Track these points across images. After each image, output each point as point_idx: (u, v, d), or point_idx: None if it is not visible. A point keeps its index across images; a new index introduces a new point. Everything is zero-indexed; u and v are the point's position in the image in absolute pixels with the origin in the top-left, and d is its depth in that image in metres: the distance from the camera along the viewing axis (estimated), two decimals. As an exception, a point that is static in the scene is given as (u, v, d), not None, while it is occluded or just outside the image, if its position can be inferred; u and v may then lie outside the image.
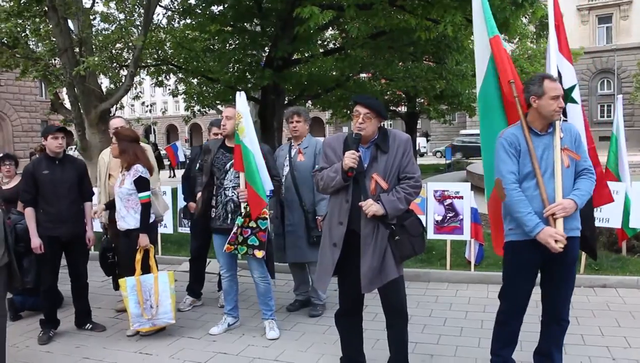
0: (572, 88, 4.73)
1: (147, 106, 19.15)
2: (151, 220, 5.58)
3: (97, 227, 6.84)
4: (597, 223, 6.76)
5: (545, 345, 4.10)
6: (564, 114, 4.26)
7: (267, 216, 5.29)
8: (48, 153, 5.53)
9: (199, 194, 5.59)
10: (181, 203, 7.86)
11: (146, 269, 5.51)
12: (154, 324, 5.44)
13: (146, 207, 5.44)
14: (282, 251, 5.93)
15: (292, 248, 5.89)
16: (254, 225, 5.23)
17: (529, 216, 3.72)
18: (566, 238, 3.69)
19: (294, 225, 5.87)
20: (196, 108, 18.67)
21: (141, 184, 5.41)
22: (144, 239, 5.44)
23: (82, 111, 11.48)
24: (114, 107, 12.12)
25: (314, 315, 5.99)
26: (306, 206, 5.84)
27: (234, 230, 5.22)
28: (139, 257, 5.46)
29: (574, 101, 4.73)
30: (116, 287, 6.07)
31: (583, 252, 6.76)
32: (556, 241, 3.65)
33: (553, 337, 4.05)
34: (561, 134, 3.85)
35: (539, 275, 4.02)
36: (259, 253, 5.24)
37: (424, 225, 6.62)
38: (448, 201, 7.15)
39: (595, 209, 6.66)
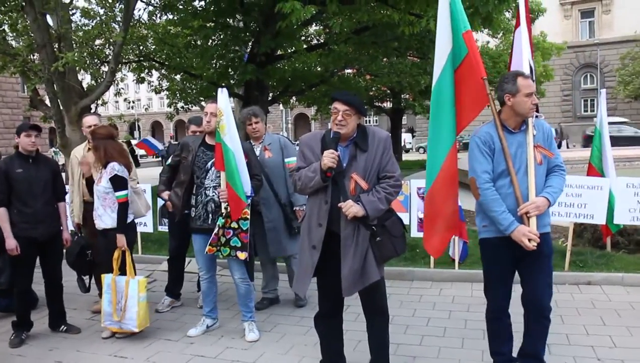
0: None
1: (131, 103, 18.90)
2: (129, 220, 5.44)
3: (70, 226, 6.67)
4: (581, 220, 6.73)
5: (529, 344, 4.04)
6: (536, 109, 4.21)
7: (248, 216, 5.16)
8: (21, 151, 5.36)
9: (166, 193, 5.53)
10: (161, 201, 7.72)
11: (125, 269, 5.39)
12: (121, 327, 5.31)
13: (123, 207, 5.30)
14: (261, 248, 5.90)
15: (274, 244, 5.93)
16: (236, 226, 5.11)
17: (503, 215, 3.76)
18: (540, 234, 3.75)
19: (274, 221, 5.90)
20: (179, 105, 18.51)
21: (117, 183, 5.26)
22: (120, 240, 5.30)
23: (61, 108, 11.28)
24: (95, 103, 11.92)
25: (300, 305, 6.09)
26: (282, 200, 5.94)
27: (215, 231, 5.10)
28: (116, 256, 5.32)
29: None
30: (85, 289, 5.92)
31: (568, 250, 6.74)
32: (530, 239, 3.69)
33: (536, 335, 4.01)
34: (534, 132, 3.85)
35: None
36: (242, 255, 5.12)
37: (407, 224, 6.57)
38: (431, 198, 7.04)
39: (580, 205, 6.65)
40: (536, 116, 3.95)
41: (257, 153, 5.95)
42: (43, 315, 5.85)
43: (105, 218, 5.32)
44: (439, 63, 4.35)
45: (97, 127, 5.68)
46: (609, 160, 6.93)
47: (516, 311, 4.06)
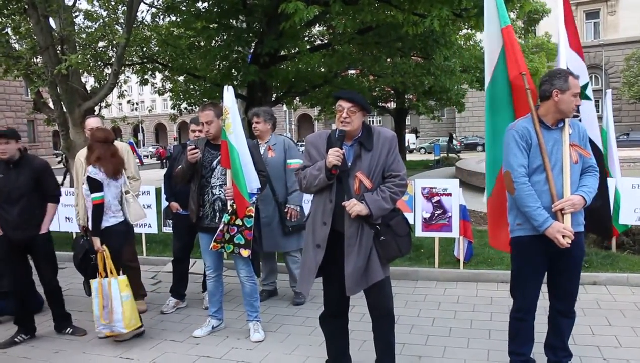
0: (585, 85, 4.75)
1: (134, 105, 18.92)
2: (115, 222, 5.37)
3: (77, 228, 6.69)
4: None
5: (556, 339, 4.08)
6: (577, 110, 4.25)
7: (253, 214, 5.17)
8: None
9: (175, 204, 5.72)
10: (165, 202, 7.71)
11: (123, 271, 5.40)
12: (112, 330, 5.26)
13: (97, 208, 5.22)
14: (258, 241, 5.93)
15: (267, 238, 6.05)
16: (240, 223, 5.11)
17: (538, 211, 3.72)
18: (575, 233, 3.73)
19: (268, 217, 6.07)
20: (183, 106, 18.53)
21: (91, 184, 5.21)
22: (95, 242, 5.24)
23: (65, 110, 11.29)
24: (99, 106, 11.94)
25: (297, 303, 6.22)
26: (279, 199, 6.13)
27: (220, 227, 5.11)
28: (99, 259, 5.28)
29: (587, 98, 4.72)
30: (90, 292, 5.90)
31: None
32: (564, 236, 3.66)
33: (564, 330, 4.05)
34: (570, 130, 3.82)
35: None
36: (245, 252, 5.13)
37: (412, 223, 6.56)
38: (436, 198, 7.05)
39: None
40: (573, 116, 3.95)
41: (262, 152, 6.04)
42: (48, 318, 5.85)
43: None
44: (491, 58, 4.43)
45: (95, 130, 5.63)
46: (615, 160, 6.90)
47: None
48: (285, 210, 6.11)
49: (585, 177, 3.86)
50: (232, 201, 5.10)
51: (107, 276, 5.28)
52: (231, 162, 5.03)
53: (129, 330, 5.24)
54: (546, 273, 4.01)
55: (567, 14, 4.68)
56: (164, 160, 45.29)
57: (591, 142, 4.69)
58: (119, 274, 5.29)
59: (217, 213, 5.25)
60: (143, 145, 67.37)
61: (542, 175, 3.79)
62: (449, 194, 7.02)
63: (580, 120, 4.06)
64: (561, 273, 3.94)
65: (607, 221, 5.05)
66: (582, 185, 3.81)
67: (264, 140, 6.21)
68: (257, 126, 6.18)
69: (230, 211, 5.11)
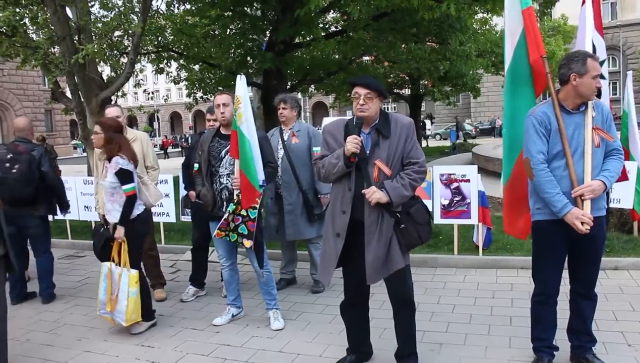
0: (601, 63, 4.66)
1: (150, 94, 18.95)
2: (139, 212, 5.36)
3: (96, 217, 6.73)
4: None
5: (578, 322, 4.05)
6: (599, 93, 4.18)
7: (257, 206, 5.14)
8: None
9: (193, 193, 5.71)
10: (183, 191, 7.74)
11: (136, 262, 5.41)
12: (113, 318, 5.27)
13: (130, 200, 5.22)
14: (281, 230, 6.13)
15: (291, 227, 6.10)
16: (244, 214, 5.10)
17: (557, 197, 3.70)
18: (595, 217, 3.70)
19: (293, 204, 6.08)
20: (198, 95, 18.55)
21: (123, 176, 5.16)
22: (119, 231, 5.23)
23: (82, 100, 11.35)
24: (115, 95, 11.97)
25: (316, 291, 6.23)
26: (303, 186, 6.09)
27: (225, 216, 5.12)
28: (115, 247, 5.28)
29: (602, 77, 4.64)
30: None
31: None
32: (583, 223, 3.64)
33: (586, 313, 4.02)
34: (593, 113, 3.76)
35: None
36: (247, 243, 5.11)
37: (430, 210, 6.53)
38: (455, 184, 7.00)
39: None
40: (595, 99, 3.88)
41: (285, 138, 6.12)
42: (71, 305, 5.91)
43: (115, 213, 5.25)
44: (511, 40, 4.37)
45: (106, 120, 5.58)
46: (637, 143, 6.80)
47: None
48: (320, 196, 6.11)
49: (608, 160, 3.79)
50: (239, 191, 5.09)
51: (118, 265, 5.30)
52: (241, 152, 5.01)
53: (127, 325, 5.21)
54: (567, 257, 3.98)
55: None
56: (166, 150, 45.54)
57: None
58: (132, 268, 5.29)
59: (224, 202, 5.27)
60: (158, 134, 67.64)
61: (562, 160, 3.74)
62: (468, 181, 6.97)
63: (602, 100, 3.99)
64: (581, 258, 3.92)
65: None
66: (604, 170, 3.75)
67: (288, 127, 6.20)
68: (284, 112, 6.16)
69: (236, 200, 5.11)
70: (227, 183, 5.25)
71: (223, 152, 5.28)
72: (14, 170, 5.98)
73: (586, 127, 3.74)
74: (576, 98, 3.75)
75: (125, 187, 5.17)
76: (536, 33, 4.28)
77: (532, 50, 4.27)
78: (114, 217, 5.26)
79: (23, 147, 6.13)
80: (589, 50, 4.40)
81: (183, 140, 49.53)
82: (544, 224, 3.88)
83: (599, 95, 4.23)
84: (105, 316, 5.34)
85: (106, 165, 5.28)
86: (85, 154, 39.59)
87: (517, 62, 4.38)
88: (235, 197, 5.12)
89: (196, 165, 5.52)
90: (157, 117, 69.08)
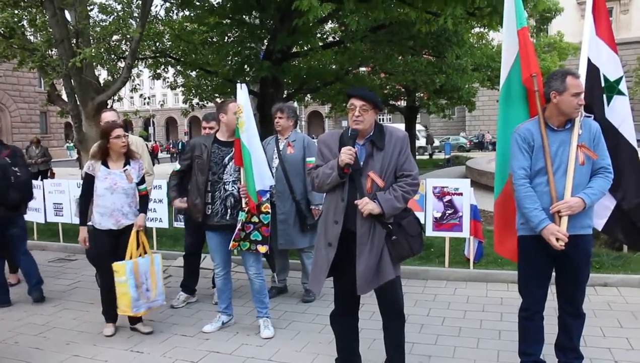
0: (619, 80, 4.68)
1: (146, 99, 18.89)
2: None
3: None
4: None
5: (565, 338, 4.07)
6: (589, 110, 4.22)
7: (269, 211, 5.21)
8: None
9: (178, 200, 5.59)
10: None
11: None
12: (149, 307, 5.36)
13: (147, 198, 5.63)
14: (274, 239, 6.10)
15: (283, 236, 6.11)
16: (257, 220, 5.13)
17: (534, 212, 3.74)
18: (576, 236, 3.73)
19: (286, 213, 6.10)
20: (195, 101, 18.58)
21: (141, 178, 5.52)
22: (142, 219, 5.43)
23: (78, 103, 11.35)
24: (112, 99, 11.98)
25: (307, 300, 6.24)
26: (297, 196, 6.11)
27: (239, 226, 5.09)
28: (133, 239, 5.33)
29: (621, 93, 4.66)
30: None
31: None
32: (558, 239, 3.66)
33: (573, 330, 4.04)
34: (580, 131, 3.79)
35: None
36: (262, 249, 5.16)
37: (423, 223, 6.57)
38: (447, 198, 7.04)
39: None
40: (586, 116, 3.92)
41: (281, 147, 6.15)
42: (61, 309, 5.90)
43: (131, 215, 5.38)
44: (508, 58, 4.46)
45: (113, 123, 5.60)
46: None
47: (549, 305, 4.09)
48: (312, 208, 6.10)
49: (594, 178, 3.81)
50: (247, 199, 5.10)
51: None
52: (244, 161, 5.04)
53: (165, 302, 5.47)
54: (555, 274, 4.01)
55: (599, 4, 4.64)
56: (156, 156, 45.39)
57: (623, 139, 4.64)
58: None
59: (229, 210, 5.23)
60: (153, 139, 67.55)
61: (544, 177, 3.79)
62: (460, 194, 7.01)
63: (595, 119, 4.01)
64: (564, 275, 3.94)
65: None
66: (587, 187, 3.77)
67: (284, 136, 6.23)
68: (280, 122, 6.17)
69: (246, 209, 5.11)
70: (232, 190, 5.22)
71: (226, 159, 5.25)
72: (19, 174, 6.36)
73: (571, 145, 3.77)
74: (559, 115, 3.80)
75: (141, 186, 5.48)
76: (528, 53, 4.34)
77: (524, 69, 4.33)
78: (129, 219, 5.37)
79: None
80: (583, 65, 4.46)
81: (171, 145, 49.45)
82: (527, 239, 3.93)
83: (592, 113, 4.26)
84: (142, 311, 5.35)
85: (128, 168, 5.37)
86: (74, 157, 39.38)
87: (512, 80, 4.45)
88: (244, 205, 5.12)
89: (178, 166, 5.57)
90: (153, 121, 69.08)
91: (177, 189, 5.57)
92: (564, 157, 3.77)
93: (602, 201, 4.39)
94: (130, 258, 5.27)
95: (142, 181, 5.48)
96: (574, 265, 3.87)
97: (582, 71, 4.47)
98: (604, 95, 4.67)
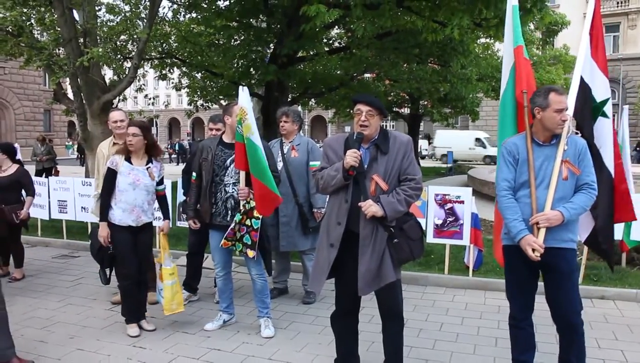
0: (604, 101, 4.76)
1: (150, 99, 18.92)
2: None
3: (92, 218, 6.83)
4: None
5: (561, 351, 4.09)
6: (580, 127, 4.30)
7: (260, 216, 5.23)
8: None
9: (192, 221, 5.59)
10: (180, 197, 7.82)
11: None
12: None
13: (165, 197, 5.84)
14: (276, 240, 6.20)
15: (285, 238, 6.21)
16: (249, 224, 5.19)
17: (514, 222, 3.83)
18: (558, 248, 3.79)
19: (288, 216, 6.19)
20: (199, 102, 18.65)
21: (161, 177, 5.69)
22: (167, 225, 5.74)
23: (84, 102, 11.45)
24: (117, 98, 12.08)
25: (307, 302, 6.30)
26: (300, 199, 6.21)
27: (232, 226, 5.18)
28: (165, 243, 5.61)
29: (605, 115, 4.74)
30: (106, 280, 5.92)
31: (582, 263, 6.74)
32: (534, 250, 3.73)
33: (569, 344, 4.03)
34: (565, 146, 3.85)
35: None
36: (251, 253, 5.21)
37: (424, 229, 6.64)
38: (449, 205, 7.11)
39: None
40: (575, 133, 3.99)
41: (285, 151, 6.24)
42: (65, 304, 5.97)
43: (149, 213, 5.52)
44: (505, 73, 4.60)
45: (140, 122, 5.63)
46: (629, 175, 6.91)
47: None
48: (314, 211, 6.20)
49: (577, 194, 3.84)
50: (245, 201, 5.17)
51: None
52: (256, 162, 5.05)
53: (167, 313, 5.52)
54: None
55: (595, 23, 4.74)
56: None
57: (602, 161, 4.70)
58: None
59: (230, 211, 5.31)
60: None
61: (527, 189, 3.87)
62: (462, 202, 7.08)
63: (583, 136, 4.08)
64: (547, 287, 3.98)
65: (610, 256, 5.08)
66: (569, 202, 3.80)
67: (289, 140, 6.33)
68: (285, 126, 6.28)
69: (242, 211, 5.18)
70: (232, 191, 5.30)
71: (228, 161, 5.32)
72: None
73: (555, 160, 3.83)
74: (544, 131, 3.87)
75: (160, 187, 5.61)
76: (522, 69, 4.43)
77: (517, 85, 4.45)
78: (148, 217, 5.50)
79: None
80: (576, 83, 4.56)
81: (169, 146, 49.45)
82: (510, 249, 3.99)
83: (582, 130, 4.37)
84: (180, 309, 5.57)
85: (150, 166, 5.47)
86: (74, 156, 39.31)
87: (507, 96, 4.58)
88: (241, 207, 5.18)
89: (194, 174, 5.52)
90: (156, 122, 69.11)
91: (194, 208, 5.50)
92: (548, 171, 3.83)
93: (585, 216, 4.51)
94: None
95: (161, 181, 5.60)
96: (557, 277, 3.89)
97: (574, 88, 4.56)
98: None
